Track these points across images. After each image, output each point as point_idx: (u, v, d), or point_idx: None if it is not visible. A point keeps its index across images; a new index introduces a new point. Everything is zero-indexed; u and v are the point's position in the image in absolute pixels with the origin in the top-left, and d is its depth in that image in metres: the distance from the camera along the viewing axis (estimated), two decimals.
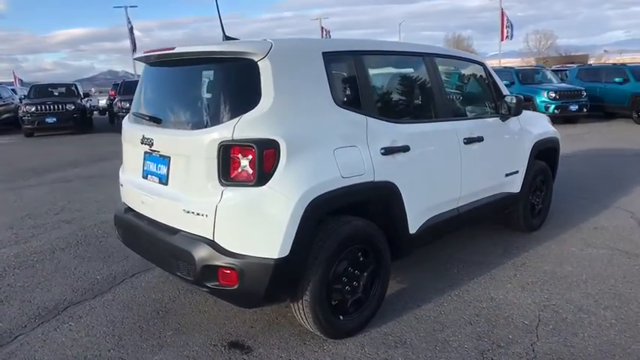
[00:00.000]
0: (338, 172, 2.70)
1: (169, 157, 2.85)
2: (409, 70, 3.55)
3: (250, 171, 2.50)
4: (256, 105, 2.54)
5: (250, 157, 2.48)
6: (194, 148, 2.63)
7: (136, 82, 16.55)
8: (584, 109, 13.64)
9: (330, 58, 2.85)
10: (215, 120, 2.60)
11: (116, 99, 16.17)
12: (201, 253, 2.58)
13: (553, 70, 18.43)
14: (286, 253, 2.52)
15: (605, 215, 5.29)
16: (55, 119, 15.18)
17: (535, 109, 12.95)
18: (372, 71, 3.12)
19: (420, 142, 3.21)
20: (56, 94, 17.03)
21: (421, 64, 3.48)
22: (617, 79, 13.80)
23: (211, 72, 2.78)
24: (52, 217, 5.87)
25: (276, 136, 2.50)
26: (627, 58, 55.70)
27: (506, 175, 4.20)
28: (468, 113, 3.95)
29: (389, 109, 3.28)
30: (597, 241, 4.51)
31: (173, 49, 2.80)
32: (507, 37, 30.15)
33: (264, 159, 2.47)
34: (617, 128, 12.92)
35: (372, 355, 2.81)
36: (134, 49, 28.63)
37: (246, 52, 2.60)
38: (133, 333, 3.11)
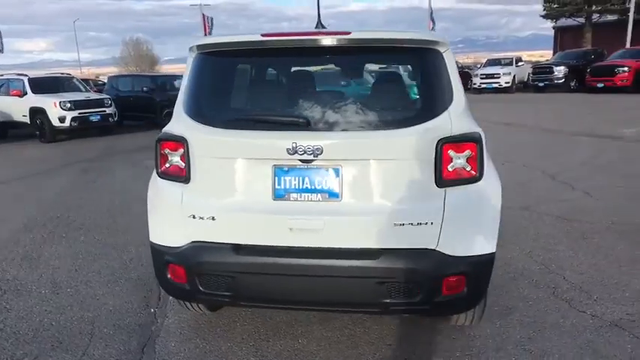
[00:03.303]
0: None
1: (340, 166, 2.30)
2: None
3: (468, 167, 2.32)
4: (452, 98, 2.37)
5: (469, 152, 2.30)
6: (402, 150, 2.25)
7: None
8: None
9: None
10: (421, 116, 2.30)
11: None
12: (431, 266, 2.27)
13: None
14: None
15: (519, 173, 6.84)
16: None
17: None
18: None
19: None
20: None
21: None
22: None
23: (394, 63, 2.37)
24: None
25: (479, 129, 2.41)
26: None
27: None
28: None
29: None
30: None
31: (349, 33, 2.24)
32: None
33: (482, 153, 2.36)
34: None
35: (504, 325, 3.01)
36: None
37: (433, 42, 2.37)
38: None
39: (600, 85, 19.54)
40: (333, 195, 2.33)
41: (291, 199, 2.36)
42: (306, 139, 2.27)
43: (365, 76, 2.64)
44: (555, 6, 31.08)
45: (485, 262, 2.41)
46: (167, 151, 2.51)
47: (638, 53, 19.92)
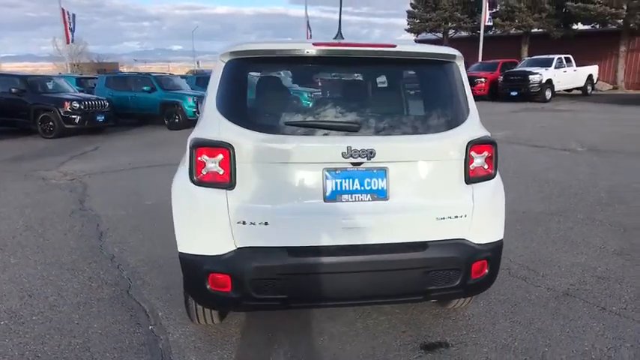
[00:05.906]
0: None
1: (386, 168, 2.48)
2: None
3: (486, 166, 2.67)
4: (469, 106, 2.71)
5: (487, 153, 2.66)
6: (441, 151, 2.53)
7: None
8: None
9: None
10: (454, 121, 2.59)
11: None
12: (468, 253, 2.57)
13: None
14: None
15: None
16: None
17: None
18: None
19: None
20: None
21: None
22: (145, 88, 14.93)
23: (428, 74, 2.60)
24: None
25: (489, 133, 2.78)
26: (143, 67, 62.07)
27: None
28: None
29: None
30: None
31: (394, 46, 2.43)
32: (72, 40, 28.70)
33: (497, 154, 2.72)
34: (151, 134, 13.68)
35: (488, 304, 3.46)
36: None
37: (452, 55, 2.68)
38: None
39: None
40: (381, 194, 2.51)
41: (343, 200, 2.49)
42: (359, 143, 2.43)
43: (405, 84, 2.87)
44: (417, 22, 34.45)
45: (499, 247, 2.79)
46: (205, 157, 2.45)
47: (491, 66, 23.05)
